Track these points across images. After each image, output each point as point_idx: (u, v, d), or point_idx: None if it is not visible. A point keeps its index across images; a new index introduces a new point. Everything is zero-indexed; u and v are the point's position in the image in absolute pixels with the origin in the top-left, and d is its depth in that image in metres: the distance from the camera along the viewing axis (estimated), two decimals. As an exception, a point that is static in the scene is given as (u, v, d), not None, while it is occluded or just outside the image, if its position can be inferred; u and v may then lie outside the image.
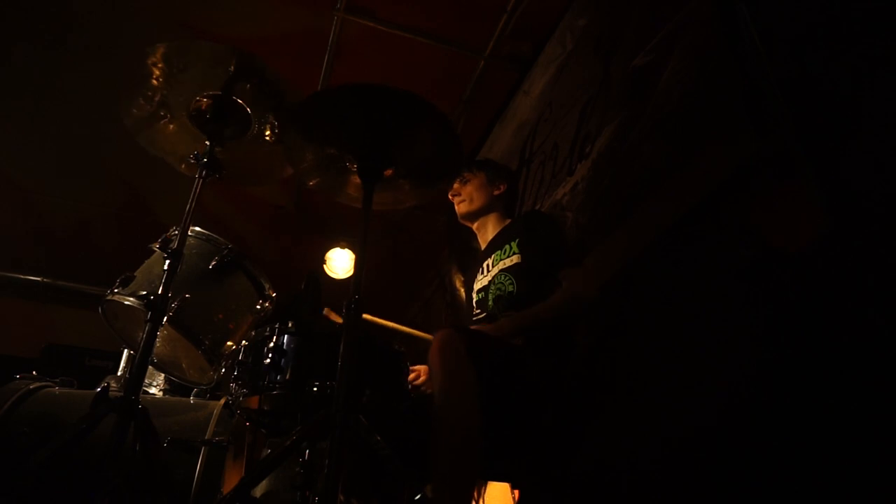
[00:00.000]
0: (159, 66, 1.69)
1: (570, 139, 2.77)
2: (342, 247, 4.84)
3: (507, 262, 2.03)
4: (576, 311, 1.92)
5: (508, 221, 2.26)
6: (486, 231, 2.27)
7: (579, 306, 1.92)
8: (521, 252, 2.01)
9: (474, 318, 2.10)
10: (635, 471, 1.67)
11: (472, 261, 2.37)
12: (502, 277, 2.02)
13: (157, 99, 1.76)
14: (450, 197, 2.30)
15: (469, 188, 2.27)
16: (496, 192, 2.28)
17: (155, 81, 1.72)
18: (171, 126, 1.83)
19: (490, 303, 2.02)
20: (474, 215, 2.28)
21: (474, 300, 2.16)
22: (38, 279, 5.39)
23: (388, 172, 1.60)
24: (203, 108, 1.78)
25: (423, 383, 2.08)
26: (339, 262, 4.82)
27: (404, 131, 1.54)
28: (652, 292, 1.93)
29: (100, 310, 1.93)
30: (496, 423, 1.67)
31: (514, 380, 1.74)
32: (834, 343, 1.29)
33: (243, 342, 1.76)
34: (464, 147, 1.65)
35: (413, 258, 5.09)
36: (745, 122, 1.66)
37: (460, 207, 2.29)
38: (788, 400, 1.33)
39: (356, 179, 1.60)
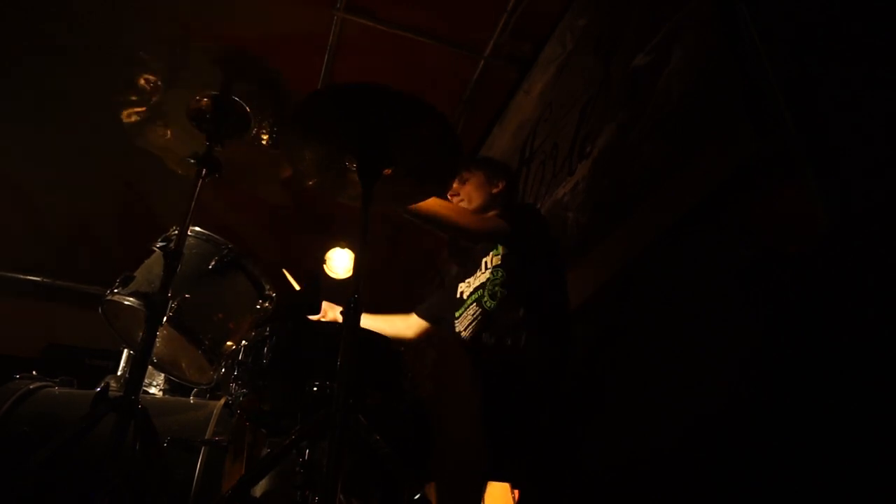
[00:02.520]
0: (154, 68, 1.69)
1: (570, 139, 2.77)
2: (342, 247, 4.84)
3: (497, 260, 2.08)
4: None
5: None
6: None
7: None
8: (504, 242, 2.07)
9: (472, 315, 2.10)
10: (635, 470, 1.67)
11: (468, 258, 2.36)
12: (497, 273, 2.04)
13: (153, 100, 1.76)
14: (449, 197, 2.29)
15: (468, 187, 2.27)
16: (495, 191, 2.28)
17: (145, 83, 1.72)
18: (168, 130, 1.83)
19: (486, 299, 2.03)
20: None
21: (468, 298, 2.15)
22: (38, 279, 5.38)
23: (388, 172, 1.60)
24: (202, 107, 1.78)
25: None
26: (339, 262, 4.82)
27: (403, 130, 1.54)
28: (652, 292, 1.93)
29: (100, 310, 1.93)
30: (495, 424, 1.67)
31: (512, 382, 1.74)
32: (834, 343, 1.29)
33: (243, 342, 1.76)
34: (464, 147, 1.65)
35: (413, 258, 5.09)
36: (745, 122, 1.66)
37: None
38: (788, 400, 1.33)
39: (356, 179, 1.60)
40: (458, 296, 2.22)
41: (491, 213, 2.25)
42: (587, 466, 1.79)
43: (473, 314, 2.07)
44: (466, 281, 2.22)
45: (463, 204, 2.27)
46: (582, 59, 2.93)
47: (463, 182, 2.28)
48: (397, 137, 1.55)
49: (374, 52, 3.57)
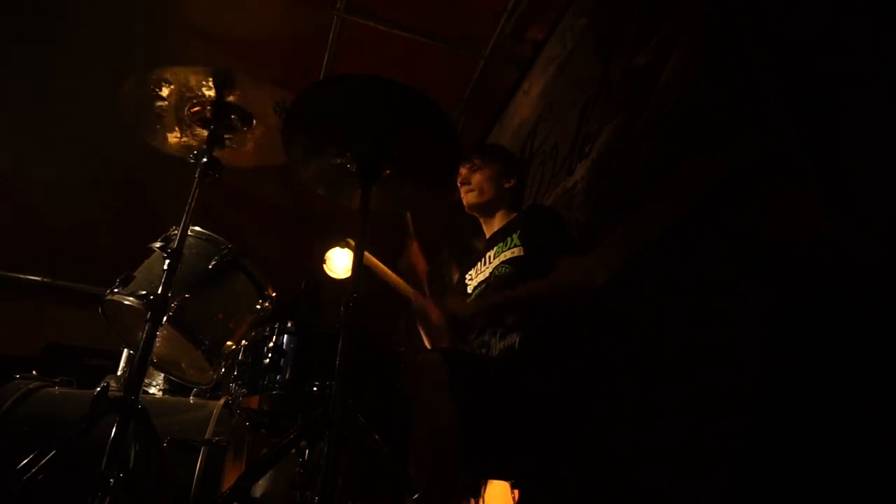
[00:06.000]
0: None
1: (570, 139, 2.77)
2: (342, 247, 4.84)
3: (509, 255, 2.01)
4: (569, 296, 1.89)
5: (514, 215, 2.20)
6: (493, 225, 2.22)
7: (573, 293, 1.90)
8: (523, 244, 1.99)
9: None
10: (634, 471, 1.67)
11: (470, 254, 2.33)
12: (502, 269, 2.00)
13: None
14: (458, 183, 2.20)
15: (479, 177, 2.18)
16: (507, 186, 2.20)
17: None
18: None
19: None
20: (483, 208, 2.21)
21: (473, 292, 2.14)
22: (38, 279, 5.38)
23: (387, 172, 1.60)
24: (201, 109, 1.79)
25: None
26: (339, 262, 4.81)
27: (403, 128, 1.54)
28: (652, 292, 1.93)
29: (100, 309, 1.93)
30: (496, 424, 1.67)
31: (514, 381, 1.74)
32: (834, 343, 1.29)
33: (243, 342, 1.77)
34: (462, 148, 1.65)
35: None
36: (745, 122, 1.66)
37: (468, 197, 2.20)
38: (788, 400, 1.33)
39: (356, 179, 1.60)
40: (466, 289, 2.19)
41: (501, 211, 2.22)
42: (587, 466, 1.78)
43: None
44: (469, 273, 2.20)
45: (473, 194, 2.19)
46: (582, 59, 2.93)
47: (474, 170, 2.18)
48: (396, 135, 1.55)
49: (374, 52, 3.57)
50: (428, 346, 2.20)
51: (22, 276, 5.35)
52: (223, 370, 1.92)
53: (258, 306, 2.03)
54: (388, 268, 2.21)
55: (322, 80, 1.78)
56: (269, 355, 1.62)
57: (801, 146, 1.48)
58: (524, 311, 1.88)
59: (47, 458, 1.25)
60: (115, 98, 1.78)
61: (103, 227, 4.79)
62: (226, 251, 1.96)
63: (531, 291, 1.87)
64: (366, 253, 1.46)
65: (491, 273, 2.06)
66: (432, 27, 3.46)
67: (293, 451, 1.59)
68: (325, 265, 4.83)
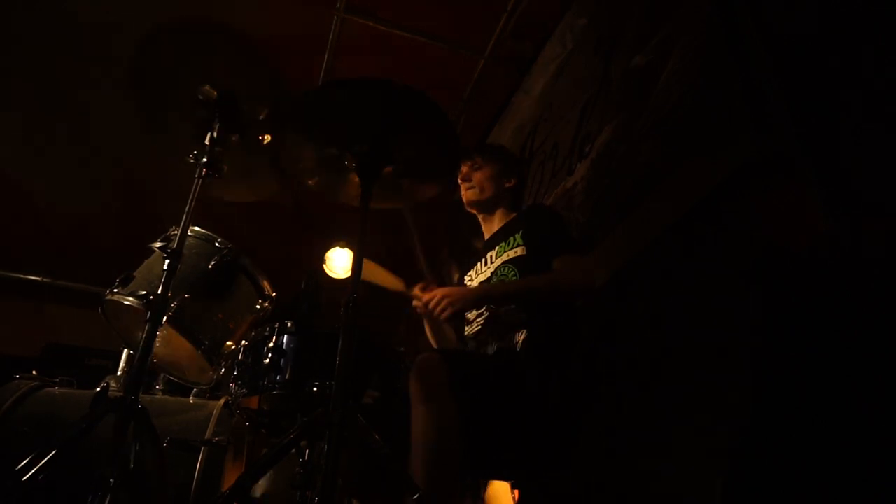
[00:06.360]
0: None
1: (570, 139, 2.77)
2: (342, 246, 4.84)
3: (511, 254, 2.01)
4: (568, 295, 1.92)
5: (514, 215, 2.21)
6: (492, 223, 2.23)
7: (572, 292, 1.92)
8: (526, 244, 1.99)
9: (476, 312, 2.08)
10: (634, 472, 1.67)
11: (469, 254, 2.34)
12: (505, 269, 2.00)
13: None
14: (458, 180, 2.23)
15: (479, 175, 2.21)
16: (507, 185, 2.22)
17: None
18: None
19: None
20: (482, 205, 2.23)
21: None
22: (38, 279, 5.38)
23: (387, 170, 1.60)
24: (205, 106, 1.79)
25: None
26: (339, 262, 4.81)
27: (403, 127, 1.54)
28: (652, 292, 1.93)
29: (99, 309, 1.93)
30: (496, 424, 1.67)
31: (514, 382, 1.74)
32: (834, 343, 1.29)
33: (243, 342, 1.77)
34: (462, 149, 1.65)
35: (412, 257, 5.08)
36: (745, 122, 1.66)
37: (468, 194, 2.23)
38: (788, 400, 1.33)
39: (355, 178, 1.60)
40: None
41: (500, 210, 2.23)
42: (587, 466, 1.79)
43: (479, 311, 2.05)
44: (469, 274, 2.20)
45: (473, 192, 2.21)
46: (582, 59, 2.93)
47: (475, 168, 2.21)
48: (396, 134, 1.55)
49: (374, 52, 3.57)
50: (433, 343, 2.22)
51: (22, 276, 5.35)
52: (223, 370, 1.92)
53: (258, 306, 2.03)
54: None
55: (321, 86, 1.77)
56: (269, 355, 1.62)
57: (801, 146, 1.48)
58: (521, 305, 1.89)
59: (47, 458, 1.25)
60: (115, 98, 1.78)
61: (103, 227, 4.79)
62: (226, 251, 1.96)
63: (529, 285, 1.90)
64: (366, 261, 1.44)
65: (493, 273, 2.06)
66: (433, 27, 3.46)
67: (293, 451, 1.60)
68: (325, 265, 4.83)
